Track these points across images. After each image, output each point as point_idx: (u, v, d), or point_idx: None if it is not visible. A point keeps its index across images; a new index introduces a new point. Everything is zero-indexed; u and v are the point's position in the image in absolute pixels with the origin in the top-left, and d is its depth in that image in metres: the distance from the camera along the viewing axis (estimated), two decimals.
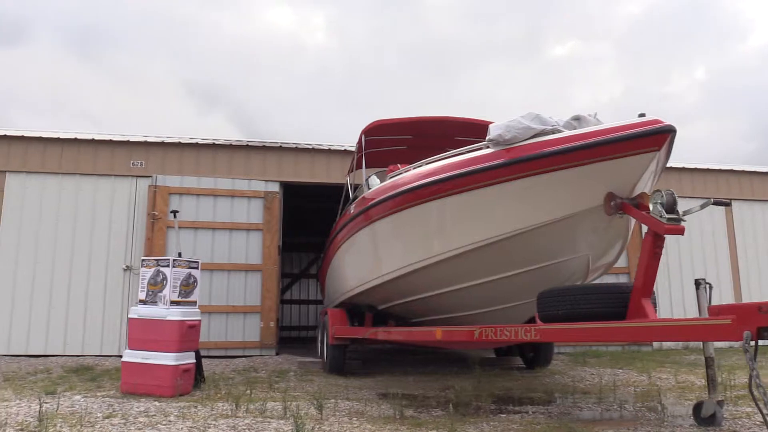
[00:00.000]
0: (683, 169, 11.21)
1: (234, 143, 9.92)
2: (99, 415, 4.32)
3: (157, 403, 4.90)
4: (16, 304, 8.83)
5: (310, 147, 10.10)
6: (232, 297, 9.34)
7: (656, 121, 3.90)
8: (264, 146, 9.98)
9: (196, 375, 6.00)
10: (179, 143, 9.71)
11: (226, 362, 8.52)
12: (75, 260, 9.06)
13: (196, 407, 4.67)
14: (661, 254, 3.93)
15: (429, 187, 5.15)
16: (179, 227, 9.23)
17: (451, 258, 5.24)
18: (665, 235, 3.83)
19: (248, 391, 5.70)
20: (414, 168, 5.73)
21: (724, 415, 4.17)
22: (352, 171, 8.21)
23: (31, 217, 9.09)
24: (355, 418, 4.35)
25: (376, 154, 8.10)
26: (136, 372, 5.55)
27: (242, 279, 9.43)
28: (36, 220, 9.09)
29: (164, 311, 5.62)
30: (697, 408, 4.09)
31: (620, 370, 7.63)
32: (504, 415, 4.55)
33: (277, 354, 9.44)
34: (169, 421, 4.10)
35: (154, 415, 4.34)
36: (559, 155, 4.20)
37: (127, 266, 9.18)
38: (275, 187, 9.77)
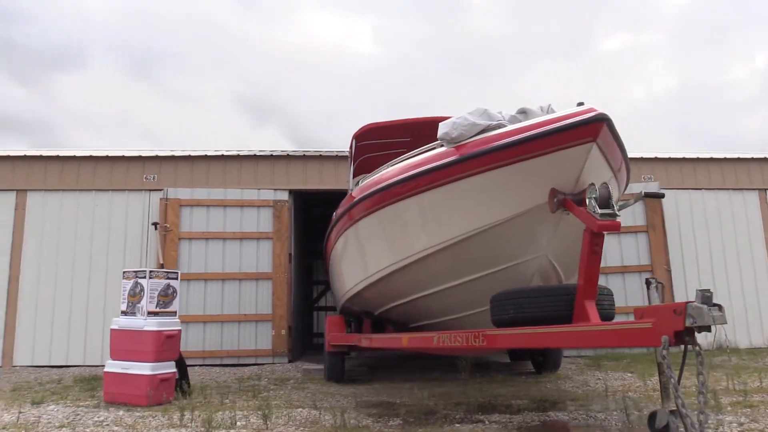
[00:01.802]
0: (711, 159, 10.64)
1: (242, 154, 10.07)
2: (55, 424, 4.43)
3: (121, 412, 4.99)
4: (38, 316, 9.22)
5: (318, 154, 10.14)
6: (244, 306, 9.46)
7: (588, 110, 3.68)
8: (272, 155, 10.09)
9: (181, 384, 6.09)
10: (189, 156, 9.93)
11: (236, 370, 8.62)
12: (93, 273, 9.39)
13: (154, 417, 4.72)
14: (600, 252, 3.70)
15: (386, 190, 5.06)
16: (191, 238, 9.47)
17: (416, 261, 5.13)
18: (603, 232, 3.61)
19: (227, 400, 5.77)
20: (383, 168, 5.64)
21: (680, 426, 3.89)
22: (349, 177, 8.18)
23: (51, 233, 9.48)
24: (301, 429, 4.29)
25: (375, 158, 8.03)
26: (116, 382, 5.67)
27: (253, 288, 9.54)
28: (56, 235, 9.48)
29: (141, 322, 5.73)
30: (651, 418, 3.83)
31: (629, 375, 7.27)
32: (459, 425, 4.39)
33: (290, 362, 9.49)
34: (113, 431, 4.16)
35: (107, 425, 4.42)
36: (494, 152, 4.03)
37: None
38: (284, 196, 9.85)
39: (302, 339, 11.67)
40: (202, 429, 4.17)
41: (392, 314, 6.77)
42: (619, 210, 3.59)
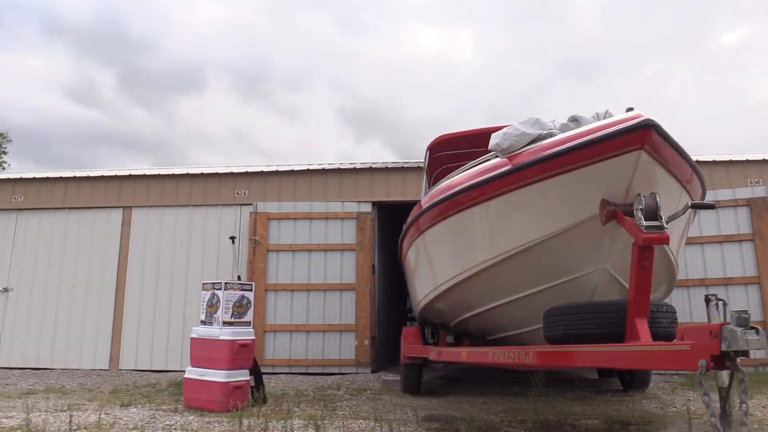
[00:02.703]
0: None
1: (327, 168, 10.33)
2: (129, 426, 4.74)
3: (192, 417, 5.25)
4: (141, 323, 9.91)
5: (400, 166, 10.21)
6: (328, 316, 9.66)
7: (635, 117, 3.48)
8: (355, 168, 10.28)
9: (255, 391, 6.32)
10: (277, 171, 10.33)
11: (318, 379, 8.82)
12: (189, 283, 9.96)
13: (220, 423, 4.92)
14: (649, 266, 3.46)
15: (444, 202, 5.02)
16: (279, 250, 9.82)
17: (478, 273, 5.03)
18: (650, 245, 3.38)
19: (296, 409, 5.92)
20: (447, 179, 5.60)
21: None
22: (422, 187, 8.17)
23: (152, 246, 10.19)
24: None
25: (450, 169, 7.98)
26: (194, 388, 5.98)
27: (337, 298, 9.72)
28: (156, 248, 10.16)
29: (217, 331, 6.00)
30: None
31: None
32: None
33: (373, 372, 9.57)
34: None
35: (174, 429, 4.67)
36: (541, 163, 3.89)
37: None
38: (368, 208, 9.99)
39: (389, 349, 11.73)
40: None
41: (464, 326, 6.67)
42: (668, 222, 3.35)
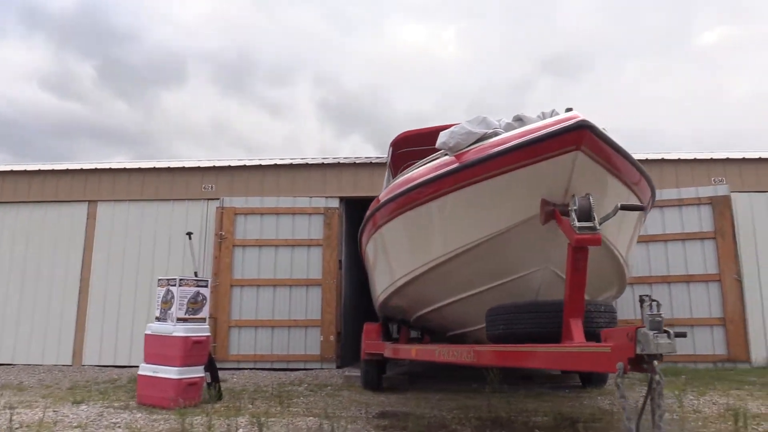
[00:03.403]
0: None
1: (294, 163, 10.29)
2: (73, 424, 4.70)
3: (140, 414, 5.23)
4: (105, 319, 9.82)
5: (369, 161, 10.19)
6: (294, 311, 9.64)
7: (570, 118, 3.49)
8: (323, 164, 10.25)
9: (211, 388, 6.29)
10: (245, 166, 10.27)
11: (283, 375, 8.80)
12: (155, 279, 9.81)
13: (167, 420, 4.90)
14: (583, 267, 3.47)
15: (396, 199, 5.02)
16: (245, 245, 9.77)
17: (428, 271, 5.04)
18: (584, 246, 3.40)
19: (250, 406, 5.90)
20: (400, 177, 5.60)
21: None
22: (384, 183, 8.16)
23: (118, 241, 10.10)
24: None
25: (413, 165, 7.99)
26: (147, 384, 5.95)
27: (303, 294, 9.71)
28: (122, 243, 10.08)
29: (171, 327, 5.96)
30: None
31: (675, 393, 6.78)
32: None
33: (338, 367, 9.56)
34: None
35: (118, 427, 4.63)
36: (481, 163, 3.90)
37: None
38: (335, 203, 9.96)
39: (356, 345, 11.73)
40: None
41: (424, 322, 6.68)
42: (600, 223, 3.36)
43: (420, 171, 4.90)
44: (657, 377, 2.74)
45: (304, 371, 9.18)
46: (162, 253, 9.97)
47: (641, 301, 3.60)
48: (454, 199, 4.21)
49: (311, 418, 5.22)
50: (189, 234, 7.18)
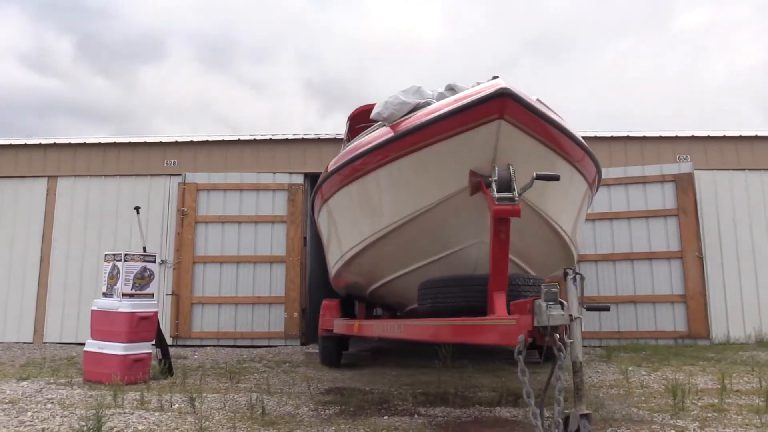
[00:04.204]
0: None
1: (258, 138, 10.15)
2: (5, 400, 4.62)
3: (78, 390, 5.17)
4: (66, 296, 9.69)
5: (333, 137, 10.06)
6: (258, 288, 9.57)
7: (493, 86, 3.38)
8: (287, 140, 10.11)
9: (162, 364, 6.23)
10: (207, 141, 10.11)
11: (246, 352, 8.75)
12: None
13: (104, 397, 4.81)
14: (506, 239, 3.39)
15: (336, 173, 4.93)
16: (207, 222, 9.65)
17: (370, 245, 4.95)
18: (506, 218, 3.32)
19: (198, 382, 5.85)
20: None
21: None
22: None
23: (79, 217, 9.94)
24: (222, 413, 4.26)
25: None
26: (93, 361, 5.86)
27: (267, 270, 9.63)
28: (83, 219, 9.92)
29: (116, 303, 5.87)
30: (566, 422, 3.53)
31: (630, 369, 6.82)
32: (387, 417, 4.22)
33: (303, 344, 9.53)
34: (46, 407, 4.28)
35: (51, 402, 4.56)
36: (410, 135, 3.80)
37: (162, 260, 9.71)
38: (300, 179, 9.85)
39: None
40: (127, 410, 4.23)
41: (378, 299, 6.62)
42: (520, 194, 3.27)
43: (359, 143, 4.80)
44: (558, 351, 2.70)
45: (267, 348, 9.14)
46: (124, 230, 9.81)
47: (565, 275, 3.55)
48: (387, 172, 4.12)
49: (255, 393, 5.17)
50: (137, 208, 7.06)
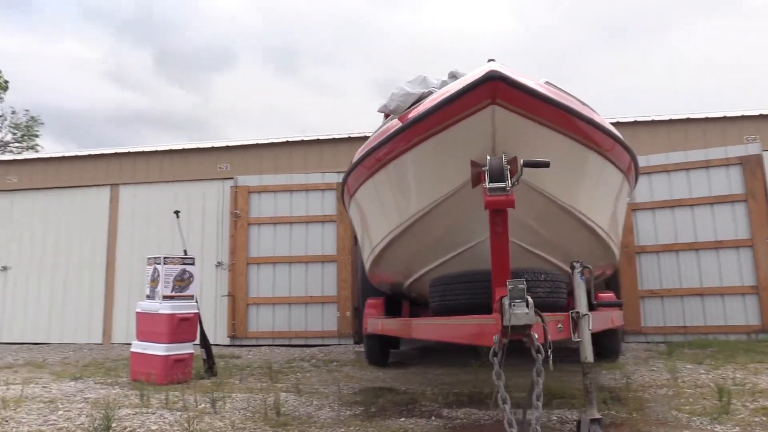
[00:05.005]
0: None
1: (306, 139, 10.23)
2: (45, 399, 4.84)
3: (118, 390, 5.34)
4: (131, 298, 10.10)
5: None
6: (310, 288, 9.64)
7: (485, 70, 3.18)
8: (334, 139, 10.14)
9: (206, 364, 6.37)
10: (257, 144, 10.30)
11: (299, 351, 8.84)
12: None
13: (137, 396, 4.95)
14: (503, 232, 3.17)
15: (358, 167, 4.83)
16: (260, 223, 9.82)
17: (390, 242, 4.84)
18: (500, 209, 3.11)
19: (237, 382, 5.94)
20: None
21: None
22: None
23: (140, 223, 10.36)
24: (242, 414, 4.28)
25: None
26: (139, 361, 6.06)
27: (319, 270, 9.69)
28: (144, 224, 10.33)
29: (158, 305, 6.05)
30: (578, 427, 3.31)
31: (690, 366, 6.39)
32: (404, 419, 4.11)
33: (356, 343, 9.53)
34: (77, 407, 4.45)
35: (88, 401, 4.73)
36: (413, 126, 3.66)
37: (218, 262, 9.98)
38: None
39: None
40: (151, 409, 4.32)
41: (413, 296, 6.48)
42: (513, 184, 3.06)
43: (372, 137, 4.69)
44: (536, 352, 2.52)
45: (320, 347, 9.20)
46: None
47: (572, 267, 3.34)
48: (394, 167, 4.00)
49: (285, 393, 5.18)
50: (176, 213, 7.24)
